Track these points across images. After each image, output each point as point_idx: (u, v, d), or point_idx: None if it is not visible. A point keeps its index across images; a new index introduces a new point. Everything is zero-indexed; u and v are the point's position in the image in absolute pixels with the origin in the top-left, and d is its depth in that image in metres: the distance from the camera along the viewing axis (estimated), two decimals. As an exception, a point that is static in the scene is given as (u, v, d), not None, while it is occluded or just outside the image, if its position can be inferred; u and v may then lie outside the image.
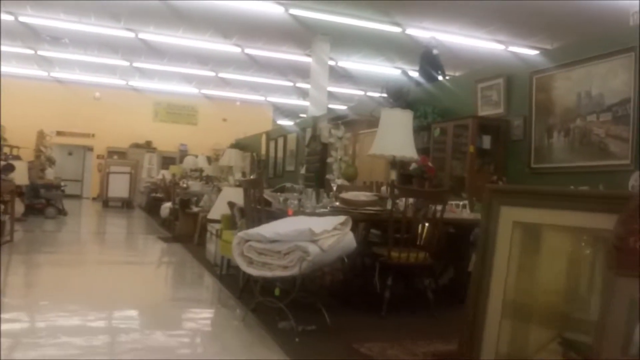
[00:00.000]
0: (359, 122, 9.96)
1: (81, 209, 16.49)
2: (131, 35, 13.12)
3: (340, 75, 15.57)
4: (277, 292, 3.84)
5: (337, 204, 4.74)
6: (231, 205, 5.62)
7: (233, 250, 3.91)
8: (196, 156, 15.04)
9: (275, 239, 3.74)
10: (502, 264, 2.40)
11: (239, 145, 15.50)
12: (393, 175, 5.31)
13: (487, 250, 2.46)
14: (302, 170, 10.53)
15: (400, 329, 4.07)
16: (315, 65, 13.12)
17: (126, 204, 17.36)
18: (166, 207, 11.20)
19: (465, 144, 7.10)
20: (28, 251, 7.56)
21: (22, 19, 12.47)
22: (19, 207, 10.44)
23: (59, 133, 18.97)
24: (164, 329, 3.99)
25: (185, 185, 9.74)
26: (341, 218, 4.03)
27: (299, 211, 4.49)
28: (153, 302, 5.07)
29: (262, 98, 20.82)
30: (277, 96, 20.54)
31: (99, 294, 5.16)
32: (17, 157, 13.49)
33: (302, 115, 18.88)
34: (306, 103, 19.30)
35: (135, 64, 16.44)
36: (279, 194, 4.90)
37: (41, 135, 16.58)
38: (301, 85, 17.52)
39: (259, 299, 4.07)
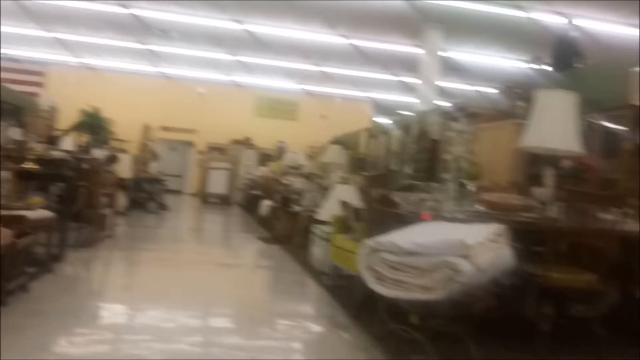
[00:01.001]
0: (478, 115, 8.92)
1: (181, 204, 16.56)
2: (237, 26, 12.83)
3: (449, 68, 14.48)
4: (413, 319, 3.04)
5: (480, 207, 3.86)
6: (344, 205, 4.88)
7: (359, 261, 3.15)
8: (296, 153, 14.55)
9: (414, 250, 2.95)
10: None
11: (338, 143, 14.86)
12: (547, 174, 4.35)
13: None
14: (408, 169, 9.70)
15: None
16: (426, 57, 12.16)
17: (224, 201, 17.26)
18: (265, 205, 10.72)
19: (614, 140, 5.97)
20: (127, 247, 7.27)
21: (134, 11, 12.52)
22: (123, 200, 10.35)
23: (163, 128, 19.26)
24: (264, 354, 3.32)
25: (286, 182, 9.17)
26: (495, 227, 3.17)
27: (436, 215, 3.66)
28: (250, 315, 4.42)
29: (362, 94, 20.10)
30: (378, 92, 19.74)
31: (193, 301, 4.62)
32: (123, 151, 13.62)
33: (401, 111, 17.95)
34: (409, 98, 18.39)
35: (239, 58, 16.26)
36: (406, 193, 4.11)
37: (146, 129, 16.81)
38: (405, 79, 16.59)
39: (389, 325, 3.27)
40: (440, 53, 12.36)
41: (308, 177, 9.39)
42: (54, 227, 4.86)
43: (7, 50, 16.95)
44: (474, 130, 8.30)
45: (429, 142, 9.11)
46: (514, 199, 3.78)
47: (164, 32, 13.98)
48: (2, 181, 4.46)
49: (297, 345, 3.65)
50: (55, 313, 3.73)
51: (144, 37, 14.83)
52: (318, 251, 5.90)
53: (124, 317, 4.03)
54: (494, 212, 3.62)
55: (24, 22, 13.75)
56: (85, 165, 6.19)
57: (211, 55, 16.11)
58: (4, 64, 17.29)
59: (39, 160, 5.30)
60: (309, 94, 20.48)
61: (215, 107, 19.79)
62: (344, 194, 5.09)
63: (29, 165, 5.10)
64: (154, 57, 16.91)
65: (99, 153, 8.57)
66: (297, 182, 9.03)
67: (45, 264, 4.73)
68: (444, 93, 15.33)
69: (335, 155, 11.13)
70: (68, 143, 9.80)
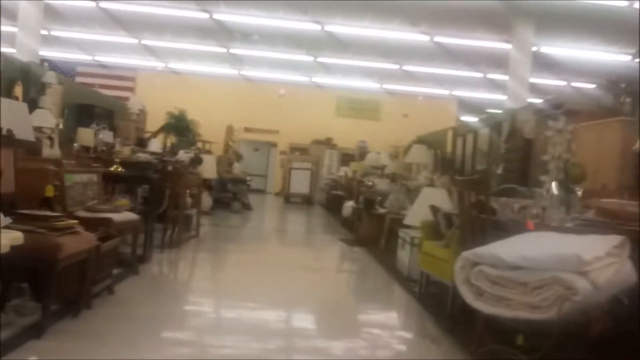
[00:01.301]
0: (578, 112, 8.27)
1: (264, 204, 16.70)
2: (317, 27, 12.73)
3: (541, 64, 13.67)
4: (520, 340, 2.71)
5: (590, 215, 3.45)
6: (434, 210, 4.58)
7: (455, 275, 2.86)
8: (378, 153, 14.25)
9: (520, 264, 2.62)
10: None
11: (422, 142, 14.42)
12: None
13: None
14: (499, 170, 9.17)
15: None
16: (516, 53, 11.50)
17: (306, 200, 17.26)
18: (348, 206, 10.52)
19: None
20: (212, 248, 7.29)
21: (216, 16, 12.72)
22: (207, 200, 10.49)
23: (246, 129, 19.57)
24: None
25: (370, 183, 8.92)
26: (613, 238, 2.78)
27: (540, 224, 3.29)
28: (334, 321, 4.21)
29: (446, 92, 19.47)
30: (463, 89, 19.04)
31: (277, 305, 4.49)
32: (209, 152, 13.88)
33: (489, 110, 17.18)
34: (497, 96, 17.59)
35: (319, 59, 16.18)
36: (503, 199, 3.75)
37: (230, 130, 17.08)
38: (493, 76, 15.86)
39: (489, 344, 2.96)
40: (531, 48, 11.67)
41: (392, 177, 9.09)
42: (140, 228, 4.88)
43: (100, 58, 17.84)
44: (574, 128, 7.74)
45: (521, 141, 8.58)
46: (632, 205, 3.34)
47: (245, 35, 14.12)
48: (90, 184, 4.51)
49: (383, 354, 3.40)
50: (141, 316, 3.71)
51: (226, 41, 15.06)
52: (405, 256, 5.62)
53: (209, 320, 3.96)
54: (609, 221, 3.20)
55: (116, 30, 14.32)
56: (170, 167, 6.24)
57: (292, 57, 16.13)
58: (97, 70, 18.24)
59: (125, 162, 5.37)
60: (391, 93, 20.09)
61: (296, 108, 19.87)
62: (433, 198, 4.79)
63: (115, 168, 5.17)
64: (236, 60, 17.17)
65: (184, 155, 8.69)
66: (381, 183, 8.76)
67: (131, 265, 4.76)
68: (535, 90, 14.51)
69: (420, 155, 10.77)
70: (156, 145, 10.04)
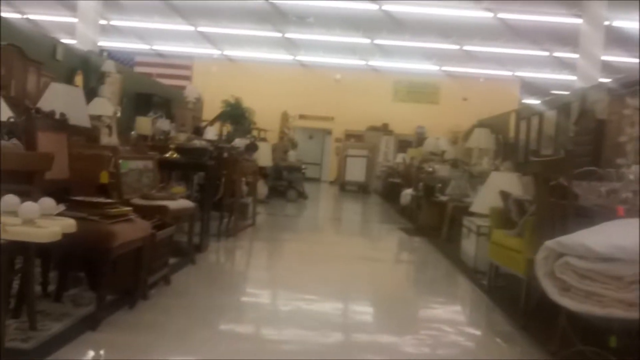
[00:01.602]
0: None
1: (320, 192, 16.55)
2: (374, 7, 12.38)
3: (614, 39, 12.82)
4: (612, 342, 2.40)
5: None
6: (505, 196, 4.25)
7: (537, 267, 2.58)
8: (437, 138, 13.80)
9: (614, 255, 2.31)
10: None
11: (484, 126, 13.86)
12: None
13: None
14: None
15: None
16: (586, 28, 10.81)
17: (362, 189, 17.00)
18: (407, 193, 10.20)
19: None
20: (268, 237, 7.17)
21: (271, 0, 12.59)
22: (263, 189, 10.42)
23: (301, 116, 19.43)
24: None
25: (430, 169, 8.57)
26: None
27: (631, 210, 2.94)
28: (397, 315, 3.97)
29: (508, 73, 18.67)
30: (527, 70, 18.20)
31: (336, 297, 4.30)
32: (264, 139, 13.83)
33: (555, 91, 16.35)
34: (563, 76, 16.73)
35: (376, 41, 15.81)
36: (585, 182, 3.40)
37: (285, 117, 16.99)
38: (561, 54, 15.05)
39: (575, 345, 2.65)
40: (603, 22, 10.94)
41: (454, 163, 8.71)
42: (196, 216, 4.78)
43: (158, 47, 18.09)
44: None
45: (593, 123, 8.04)
46: None
47: (300, 18, 13.92)
48: (145, 171, 4.44)
49: (451, 352, 3.15)
50: (198, 308, 3.59)
51: (281, 26, 14.91)
52: (470, 246, 5.31)
53: (267, 312, 3.80)
54: None
55: (173, 17, 14.41)
56: (225, 154, 6.13)
57: (348, 39, 15.83)
58: (155, 60, 18.51)
59: (181, 149, 5.28)
60: (450, 75, 19.48)
61: (352, 94, 19.57)
62: (503, 183, 4.45)
63: (171, 155, 5.09)
64: (291, 45, 17.02)
65: (239, 142, 8.61)
66: (442, 169, 8.40)
67: (188, 254, 4.67)
68: (608, 68, 13.65)
69: (483, 140, 10.31)
70: (211, 133, 10.03)
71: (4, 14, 8.78)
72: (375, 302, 4.37)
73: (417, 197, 8.97)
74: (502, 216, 4.26)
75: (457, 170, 8.19)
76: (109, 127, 7.45)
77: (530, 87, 19.87)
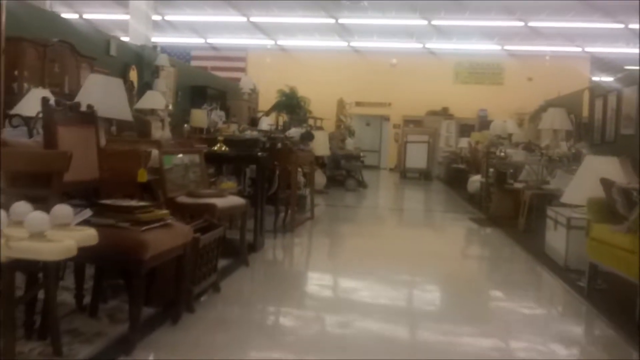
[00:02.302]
0: None
1: (379, 180, 15.97)
2: (431, -14, 11.66)
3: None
4: None
5: None
6: (607, 184, 3.59)
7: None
8: (504, 121, 12.95)
9: None
10: None
11: (551, 106, 12.90)
12: None
13: None
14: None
15: None
16: (671, -9, 9.72)
17: (424, 175, 16.33)
18: (474, 180, 9.51)
19: None
20: (328, 232, 6.70)
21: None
22: (321, 179, 9.97)
23: (357, 103, 18.87)
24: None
25: (502, 154, 7.84)
26: None
27: None
28: (482, 320, 3.38)
29: (577, 49, 17.41)
30: (598, 45, 16.91)
31: (405, 303, 3.76)
32: (320, 128, 13.40)
33: (627, 67, 15.07)
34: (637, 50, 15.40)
35: (433, 22, 15.00)
36: None
37: (341, 104, 16.50)
38: (637, 26, 13.80)
39: None
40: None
41: (527, 147, 7.96)
42: (248, 213, 4.35)
43: (212, 40, 17.94)
44: None
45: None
46: None
47: (354, 2, 13.33)
48: (192, 166, 4.03)
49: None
50: (251, 321, 3.14)
51: (334, 11, 14.37)
52: (559, 241, 4.64)
53: (332, 327, 3.24)
54: None
55: (225, 9, 14.15)
56: (279, 144, 5.68)
57: (403, 22, 15.10)
58: (209, 53, 18.39)
59: (229, 141, 4.85)
60: (513, 55, 18.41)
61: (409, 78, 18.87)
62: (603, 169, 3.77)
63: (219, 147, 4.67)
64: (345, 31, 16.46)
65: (294, 131, 8.17)
66: (516, 154, 7.67)
67: (241, 255, 4.24)
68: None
69: (557, 121, 9.39)
70: (266, 123, 9.67)
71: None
72: (451, 305, 3.80)
73: (487, 184, 8.28)
74: (604, 208, 3.60)
75: (534, 155, 7.45)
76: (162, 120, 7.17)
77: (601, 64, 18.55)
